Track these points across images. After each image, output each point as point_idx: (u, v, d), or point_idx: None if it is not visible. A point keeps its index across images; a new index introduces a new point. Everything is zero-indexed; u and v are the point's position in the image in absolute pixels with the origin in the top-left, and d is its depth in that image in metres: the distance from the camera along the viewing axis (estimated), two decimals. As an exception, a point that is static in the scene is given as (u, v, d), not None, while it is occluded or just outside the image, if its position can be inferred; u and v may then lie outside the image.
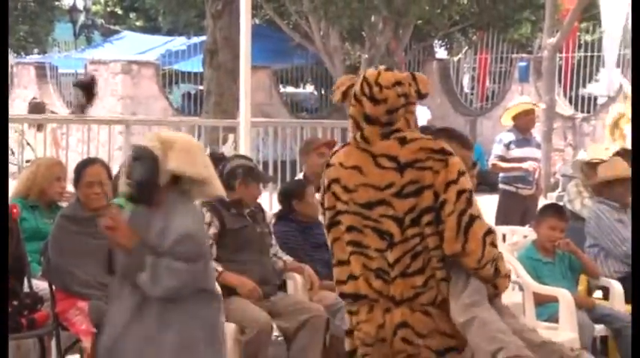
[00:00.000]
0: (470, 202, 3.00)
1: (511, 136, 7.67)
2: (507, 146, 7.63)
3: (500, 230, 6.11)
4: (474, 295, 2.97)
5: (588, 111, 16.85)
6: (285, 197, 5.44)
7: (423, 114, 15.39)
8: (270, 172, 7.41)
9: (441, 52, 21.62)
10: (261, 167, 7.63)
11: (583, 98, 17.26)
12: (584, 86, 17.78)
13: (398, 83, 3.04)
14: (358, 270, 3.06)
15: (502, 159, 7.64)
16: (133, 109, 17.12)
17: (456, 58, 20.21)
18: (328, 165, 3.17)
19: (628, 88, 11.26)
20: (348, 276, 3.09)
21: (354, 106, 3.10)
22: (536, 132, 8.67)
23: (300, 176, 6.44)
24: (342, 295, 3.14)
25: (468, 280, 3.00)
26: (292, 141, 8.65)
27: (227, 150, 7.67)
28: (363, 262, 3.05)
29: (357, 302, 3.09)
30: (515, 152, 7.61)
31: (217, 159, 5.82)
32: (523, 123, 7.68)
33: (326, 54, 17.93)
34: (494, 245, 3.05)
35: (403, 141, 3.03)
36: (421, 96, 3.09)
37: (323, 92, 21.00)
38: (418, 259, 2.99)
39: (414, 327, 3.00)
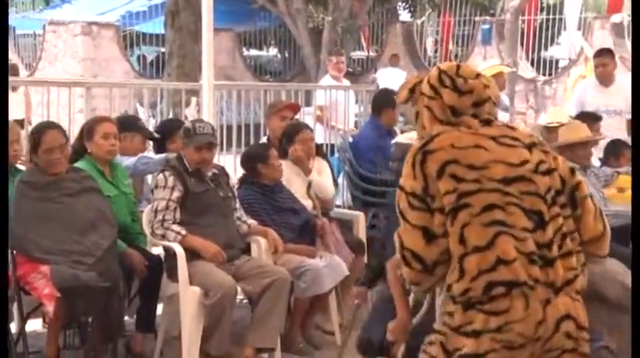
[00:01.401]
0: None
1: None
2: None
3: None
4: None
5: (550, 74, 16.97)
6: (249, 160, 5.42)
7: (399, 76, 15.40)
8: (234, 136, 7.37)
9: (404, 15, 21.53)
10: (224, 131, 7.60)
11: (545, 61, 17.38)
12: (545, 49, 17.89)
13: (479, 74, 2.97)
14: (511, 253, 2.68)
15: None
16: (93, 71, 16.89)
17: (419, 21, 20.18)
18: (429, 152, 2.81)
19: (588, 51, 11.36)
20: (495, 262, 2.67)
21: (431, 98, 2.93)
22: (502, 95, 8.70)
23: (264, 139, 6.43)
24: (491, 285, 2.67)
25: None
26: (256, 104, 8.60)
27: (190, 113, 7.61)
28: (514, 244, 2.70)
29: (510, 292, 2.67)
30: None
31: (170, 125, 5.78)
32: (491, 86, 7.68)
33: (289, 16, 17.78)
34: None
35: (510, 127, 2.99)
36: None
37: (287, 55, 20.86)
38: (566, 239, 2.81)
39: (577, 319, 2.75)
